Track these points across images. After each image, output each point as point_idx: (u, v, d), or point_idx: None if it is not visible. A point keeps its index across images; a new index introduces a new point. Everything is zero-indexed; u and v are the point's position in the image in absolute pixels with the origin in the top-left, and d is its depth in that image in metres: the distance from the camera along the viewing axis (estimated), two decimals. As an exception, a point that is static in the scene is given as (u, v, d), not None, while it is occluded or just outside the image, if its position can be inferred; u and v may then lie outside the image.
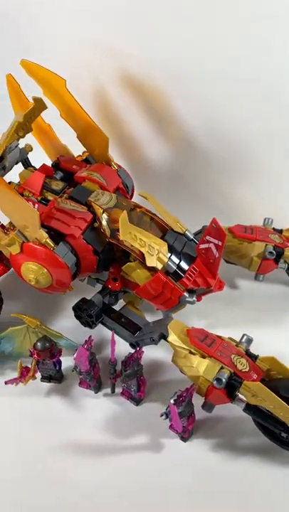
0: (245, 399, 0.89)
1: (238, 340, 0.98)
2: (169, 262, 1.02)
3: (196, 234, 1.14)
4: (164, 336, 0.98)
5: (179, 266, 1.03)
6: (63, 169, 1.18)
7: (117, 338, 0.99)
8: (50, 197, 1.10)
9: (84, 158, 1.23)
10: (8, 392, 1.03)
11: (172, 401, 0.90)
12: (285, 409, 0.84)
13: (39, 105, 1.09)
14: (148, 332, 1.02)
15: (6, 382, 1.02)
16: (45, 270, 1.01)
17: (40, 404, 1.04)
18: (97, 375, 1.04)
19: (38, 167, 1.17)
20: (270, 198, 1.34)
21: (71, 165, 1.18)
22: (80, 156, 1.24)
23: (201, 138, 1.32)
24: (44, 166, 1.15)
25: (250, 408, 0.89)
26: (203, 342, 0.93)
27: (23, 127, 1.08)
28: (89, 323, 1.08)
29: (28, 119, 1.08)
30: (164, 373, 1.08)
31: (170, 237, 1.07)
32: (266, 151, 1.30)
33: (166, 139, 1.36)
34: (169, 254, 1.03)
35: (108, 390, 1.06)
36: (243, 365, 0.91)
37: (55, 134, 1.24)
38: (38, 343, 1.00)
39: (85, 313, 1.07)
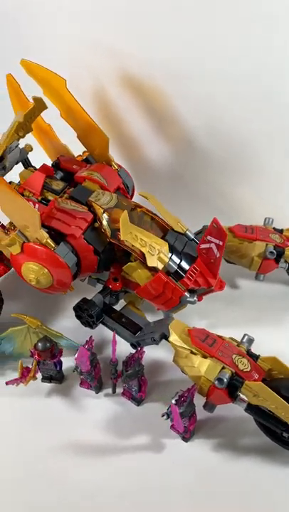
0: (246, 399, 0.89)
1: (239, 340, 0.98)
2: (170, 262, 1.02)
3: (196, 234, 1.14)
4: (165, 336, 0.98)
5: (179, 266, 1.03)
6: (63, 169, 1.18)
7: (117, 338, 0.99)
8: (50, 197, 1.10)
9: (84, 158, 1.23)
10: (9, 392, 1.03)
11: (173, 401, 0.90)
12: (286, 409, 0.84)
13: (39, 105, 1.09)
14: (149, 332, 1.02)
15: (6, 383, 1.02)
16: (46, 270, 1.01)
17: (41, 405, 1.04)
18: (98, 375, 1.04)
19: (38, 167, 1.17)
20: (270, 198, 1.34)
21: (71, 165, 1.18)
22: (80, 155, 1.24)
23: (201, 138, 1.32)
24: (44, 165, 1.15)
25: (251, 408, 0.89)
26: (204, 342, 0.93)
27: (23, 127, 1.08)
28: (90, 324, 1.08)
29: (28, 119, 1.08)
30: (165, 373, 1.08)
31: (171, 237, 1.07)
32: (266, 151, 1.30)
33: (166, 139, 1.36)
34: (170, 254, 1.03)
35: (109, 391, 1.06)
36: (244, 365, 0.91)
37: (55, 134, 1.24)
38: (39, 344, 1.00)
39: (86, 314, 1.06)
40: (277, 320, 1.18)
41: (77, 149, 1.24)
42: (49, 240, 0.99)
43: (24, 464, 0.96)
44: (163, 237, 1.06)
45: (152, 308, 1.12)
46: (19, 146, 1.16)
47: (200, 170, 1.37)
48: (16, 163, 1.18)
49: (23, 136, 1.10)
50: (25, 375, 1.01)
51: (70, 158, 1.23)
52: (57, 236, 1.02)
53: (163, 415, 0.92)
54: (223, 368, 0.89)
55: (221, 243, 0.98)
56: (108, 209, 1.06)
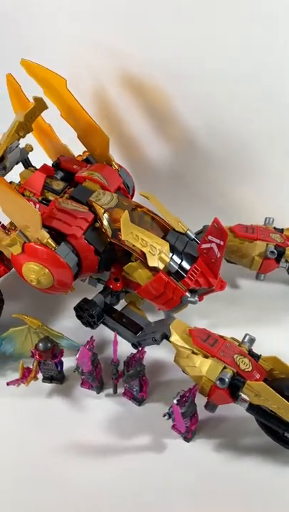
0: (248, 399, 0.89)
1: (240, 340, 0.98)
2: (171, 262, 1.02)
3: (197, 233, 1.13)
4: (166, 336, 0.98)
5: (180, 266, 1.03)
6: (64, 169, 1.18)
7: (118, 338, 0.99)
8: (50, 197, 1.10)
9: (84, 158, 1.23)
10: (10, 393, 1.03)
11: (175, 401, 0.90)
12: (288, 409, 0.84)
13: (40, 105, 1.09)
14: (150, 332, 1.02)
15: (8, 384, 1.01)
16: (47, 270, 1.01)
17: (42, 405, 1.04)
18: (99, 375, 1.04)
19: (38, 167, 1.16)
20: (270, 198, 1.34)
21: (72, 165, 1.18)
22: (80, 155, 1.24)
23: (202, 138, 1.32)
24: (45, 165, 1.15)
25: (253, 408, 0.89)
26: (205, 342, 0.93)
27: (23, 127, 1.07)
28: (90, 324, 1.08)
29: (29, 119, 1.08)
30: (166, 373, 1.08)
31: (172, 237, 1.07)
32: (267, 151, 1.30)
33: (167, 139, 1.36)
34: (171, 254, 1.03)
35: (110, 391, 1.06)
36: (245, 364, 0.91)
37: (55, 134, 1.24)
38: (40, 344, 1.00)
39: (87, 314, 1.06)
40: (278, 319, 1.18)
41: (77, 149, 1.24)
42: (50, 240, 0.99)
43: (25, 465, 0.96)
44: (164, 237, 1.06)
45: (153, 308, 1.12)
46: (19, 146, 1.16)
47: (200, 170, 1.37)
48: (17, 163, 1.18)
49: (24, 136, 1.10)
50: (26, 375, 1.01)
51: (71, 158, 1.23)
52: (58, 236, 1.02)
53: (164, 415, 0.92)
54: (224, 367, 0.89)
55: (222, 243, 0.98)
56: (109, 209, 1.06)
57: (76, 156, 1.25)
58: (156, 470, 0.94)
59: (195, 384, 0.92)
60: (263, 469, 0.93)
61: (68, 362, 1.06)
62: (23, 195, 1.09)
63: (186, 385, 0.93)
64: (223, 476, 0.92)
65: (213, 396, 0.90)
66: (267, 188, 1.34)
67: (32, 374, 1.01)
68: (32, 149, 1.19)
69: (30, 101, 1.12)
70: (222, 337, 0.96)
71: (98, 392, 1.05)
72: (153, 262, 1.01)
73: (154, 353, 1.06)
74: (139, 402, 1.03)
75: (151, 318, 1.10)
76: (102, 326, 1.09)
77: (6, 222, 1.09)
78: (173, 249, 1.04)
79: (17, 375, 1.01)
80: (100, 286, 1.13)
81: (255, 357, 0.94)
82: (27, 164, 1.21)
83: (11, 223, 1.09)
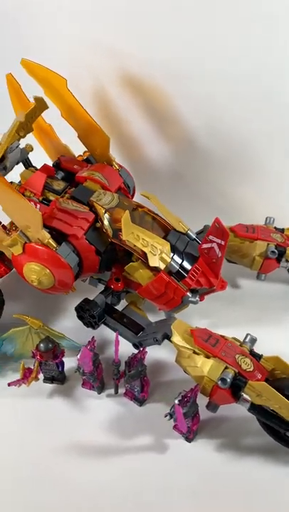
0: (249, 399, 0.89)
1: (241, 339, 0.98)
2: (172, 262, 1.02)
3: (197, 233, 1.13)
4: (167, 336, 0.98)
5: (181, 266, 1.03)
6: (64, 169, 1.18)
7: (120, 338, 0.98)
8: (51, 197, 1.10)
9: (85, 158, 1.23)
10: (11, 393, 1.03)
11: (177, 401, 0.90)
12: (290, 409, 0.84)
13: (40, 105, 1.09)
14: (151, 332, 1.02)
15: (9, 384, 1.01)
16: (48, 271, 1.01)
17: (43, 406, 1.04)
18: (101, 375, 1.04)
19: (38, 167, 1.16)
20: (271, 197, 1.34)
21: (72, 165, 1.18)
22: (80, 155, 1.24)
23: (202, 138, 1.32)
24: (45, 166, 1.14)
25: (254, 408, 0.89)
26: (207, 342, 0.93)
27: (24, 127, 1.07)
28: (92, 324, 1.08)
29: (29, 119, 1.08)
30: (167, 373, 1.07)
31: (172, 237, 1.07)
32: (267, 151, 1.30)
33: (167, 139, 1.36)
34: (172, 254, 1.03)
35: (111, 391, 1.05)
36: (247, 364, 0.90)
37: (55, 134, 1.23)
38: (41, 344, 1.00)
39: (88, 314, 1.06)
40: (279, 319, 1.18)
41: (77, 149, 1.24)
42: (51, 241, 0.98)
43: (26, 465, 0.95)
44: (165, 237, 1.06)
45: (153, 308, 1.11)
46: (20, 146, 1.16)
47: (200, 170, 1.37)
48: (17, 164, 1.18)
49: (24, 136, 1.10)
50: (27, 376, 1.01)
51: (71, 158, 1.22)
52: (58, 236, 1.02)
53: (166, 415, 0.92)
54: (226, 367, 0.89)
55: (223, 243, 0.98)
56: (110, 209, 1.06)
57: (76, 156, 1.25)
58: (157, 470, 0.94)
59: (197, 384, 0.91)
60: (264, 469, 0.93)
61: (69, 362, 1.06)
62: (24, 195, 1.08)
63: (187, 385, 0.93)
64: (224, 476, 0.92)
65: (215, 396, 0.90)
66: (267, 187, 1.34)
67: (33, 374, 1.01)
68: (32, 149, 1.19)
69: (30, 101, 1.12)
70: (223, 337, 0.96)
71: (99, 393, 1.05)
72: (154, 262, 1.00)
73: (155, 353, 1.06)
74: (141, 402, 1.03)
75: (152, 318, 1.10)
76: (102, 326, 1.09)
77: (6, 222, 1.09)
78: (174, 249, 1.04)
79: (18, 376, 1.01)
80: (101, 287, 1.13)
81: (256, 357, 0.94)
82: (27, 164, 1.20)
83: (12, 223, 1.09)
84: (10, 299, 1.17)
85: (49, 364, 1.02)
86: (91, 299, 1.07)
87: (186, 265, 1.04)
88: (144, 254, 1.01)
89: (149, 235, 1.02)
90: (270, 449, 0.94)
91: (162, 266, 1.01)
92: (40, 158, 1.22)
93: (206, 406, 0.93)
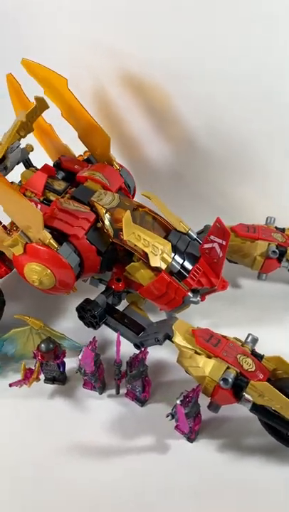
0: (251, 399, 0.88)
1: (243, 339, 0.98)
2: (173, 262, 1.02)
3: (198, 233, 1.14)
4: (168, 336, 0.98)
5: (182, 266, 1.03)
6: (65, 169, 1.18)
7: (121, 338, 0.98)
8: (52, 197, 1.09)
9: (85, 157, 1.23)
10: (13, 394, 1.03)
11: (179, 402, 0.89)
12: (292, 409, 0.84)
13: (41, 105, 1.09)
14: (152, 332, 1.02)
15: (10, 385, 1.01)
16: (49, 271, 1.00)
17: (44, 406, 1.03)
18: (102, 376, 1.04)
19: (39, 167, 1.16)
20: (271, 197, 1.34)
21: (73, 165, 1.18)
22: (81, 155, 1.24)
23: (202, 137, 1.32)
24: (46, 166, 1.14)
25: (256, 408, 0.89)
26: (208, 342, 0.93)
27: (24, 127, 1.07)
28: (93, 324, 1.07)
29: (30, 119, 1.08)
30: (169, 374, 1.07)
31: (173, 237, 1.07)
32: (267, 151, 1.30)
33: (167, 139, 1.36)
34: (173, 254, 1.03)
35: (112, 391, 1.05)
36: (249, 364, 0.90)
37: (56, 134, 1.23)
38: (42, 345, 0.99)
39: (89, 314, 1.06)
40: (280, 319, 1.18)
41: (77, 149, 1.24)
42: (52, 241, 0.98)
43: (28, 465, 0.95)
44: (166, 237, 1.06)
45: (154, 308, 1.11)
46: (20, 146, 1.15)
47: (201, 169, 1.37)
48: (17, 164, 1.17)
49: (25, 136, 1.10)
50: (28, 376, 1.00)
51: (72, 158, 1.22)
52: (59, 236, 1.01)
53: (167, 416, 0.91)
54: (227, 368, 0.89)
55: (224, 243, 0.98)
56: (110, 209, 1.06)
57: (77, 155, 1.24)
58: (158, 470, 0.93)
59: (198, 384, 0.91)
60: (266, 469, 0.92)
61: (70, 363, 1.05)
62: (25, 195, 1.08)
63: (188, 385, 0.92)
64: (226, 476, 0.92)
65: (217, 396, 0.90)
66: (268, 187, 1.34)
67: (34, 375, 1.00)
68: (33, 149, 1.19)
69: (30, 101, 1.12)
70: (225, 337, 0.96)
71: (100, 393, 1.05)
72: (155, 262, 1.00)
73: (156, 353, 1.06)
74: (142, 402, 1.02)
75: (153, 318, 1.10)
76: (103, 326, 1.09)
77: (6, 222, 1.09)
78: (175, 249, 1.04)
79: (18, 376, 1.01)
80: (102, 287, 1.12)
81: (258, 357, 0.94)
82: (28, 164, 1.20)
83: (12, 223, 1.08)
84: (11, 299, 1.17)
85: (50, 364, 1.02)
86: (92, 299, 1.07)
87: (188, 265, 1.04)
88: (145, 255, 1.01)
89: (150, 235, 1.02)
90: (271, 449, 0.94)
91: (163, 266, 1.01)
92: (41, 158, 1.22)
93: (207, 406, 0.93)
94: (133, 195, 1.22)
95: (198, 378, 0.91)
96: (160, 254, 1.01)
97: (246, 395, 0.89)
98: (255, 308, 1.20)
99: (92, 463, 0.95)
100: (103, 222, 1.04)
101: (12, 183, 1.13)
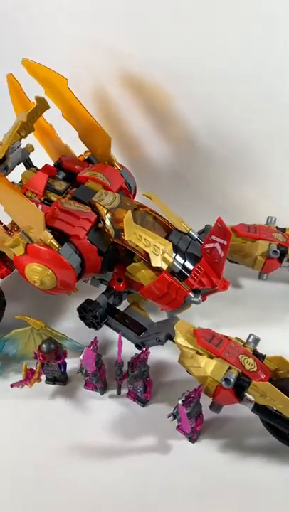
0: (253, 399, 0.88)
1: (244, 339, 0.98)
2: (174, 262, 1.01)
3: (199, 233, 1.13)
4: (170, 337, 0.98)
5: (183, 266, 1.03)
6: (66, 169, 1.17)
7: (122, 339, 0.98)
8: (53, 197, 1.09)
9: (86, 158, 1.22)
10: (14, 395, 1.02)
11: (180, 402, 0.89)
12: (294, 409, 0.84)
13: (42, 105, 1.09)
14: (154, 333, 1.02)
15: (11, 385, 1.00)
16: (50, 271, 1.00)
17: (45, 407, 1.03)
18: (103, 376, 1.04)
19: (39, 167, 1.16)
20: (272, 197, 1.34)
21: (73, 165, 1.17)
22: (81, 155, 1.24)
23: (202, 137, 1.32)
24: (47, 166, 1.14)
25: (258, 408, 0.89)
26: (210, 342, 0.93)
27: (25, 127, 1.07)
28: (94, 324, 1.07)
29: (31, 119, 1.08)
30: (170, 374, 1.07)
31: (175, 237, 1.06)
32: (267, 151, 1.30)
33: (168, 139, 1.36)
34: (174, 254, 1.03)
35: (114, 392, 1.05)
36: (250, 365, 0.90)
37: (56, 134, 1.23)
38: (44, 345, 0.99)
39: (90, 315, 1.06)
40: (281, 319, 1.18)
41: (78, 149, 1.23)
42: (53, 241, 0.98)
43: (29, 466, 0.95)
44: (167, 237, 1.06)
45: (155, 308, 1.11)
46: (21, 146, 1.15)
47: (201, 169, 1.37)
48: (18, 164, 1.17)
49: (25, 136, 1.10)
50: (29, 377, 1.00)
51: (72, 158, 1.22)
52: (60, 237, 1.01)
53: (169, 416, 0.91)
54: (229, 368, 0.89)
55: (225, 243, 0.98)
56: (111, 209, 1.06)
57: (77, 156, 1.24)
58: (160, 471, 0.93)
59: (200, 384, 0.91)
60: (268, 469, 0.92)
61: (71, 363, 1.05)
62: (25, 195, 1.08)
63: (190, 385, 0.92)
64: (228, 476, 0.92)
65: (218, 396, 0.90)
66: (268, 187, 1.34)
67: (35, 375, 1.00)
68: (33, 149, 1.19)
69: (31, 101, 1.12)
70: (226, 337, 0.96)
71: (102, 393, 1.05)
72: (156, 262, 1.00)
73: (157, 353, 1.06)
74: (143, 402, 1.02)
75: (154, 318, 1.10)
76: (104, 327, 1.09)
77: (6, 223, 1.09)
78: (176, 249, 1.04)
79: (20, 377, 1.01)
80: (103, 287, 1.12)
81: (259, 357, 0.94)
82: (28, 164, 1.20)
83: (12, 224, 1.08)
84: (11, 299, 1.16)
85: (51, 365, 1.02)
86: (93, 299, 1.07)
87: (189, 265, 1.04)
88: (147, 255, 1.01)
89: (151, 235, 1.02)
90: (273, 449, 0.94)
91: (164, 266, 1.01)
92: (41, 158, 1.22)
93: (209, 406, 0.92)
94: (134, 195, 1.22)
95: (200, 378, 0.91)
96: (161, 254, 1.01)
97: (248, 395, 0.89)
98: (256, 308, 1.20)
99: (93, 463, 0.95)
100: (104, 223, 1.04)
101: (13, 183, 1.13)
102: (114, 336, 1.06)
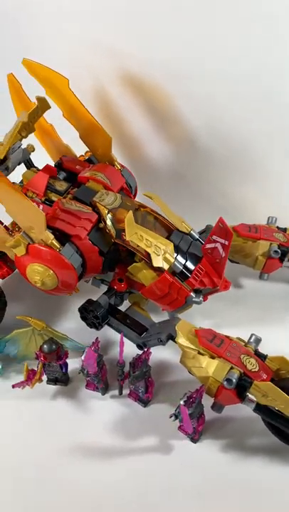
0: (255, 399, 0.89)
1: (245, 339, 0.98)
2: (176, 262, 1.01)
3: (200, 233, 1.14)
4: (171, 337, 0.97)
5: (185, 266, 1.03)
6: (66, 169, 1.17)
7: (124, 339, 0.98)
8: (54, 197, 1.09)
9: (86, 158, 1.22)
10: (15, 395, 1.02)
11: (182, 402, 0.89)
12: (295, 409, 0.84)
13: (42, 105, 1.08)
14: (155, 333, 1.02)
15: (13, 386, 1.00)
16: (51, 272, 1.00)
17: (46, 407, 1.03)
18: (105, 376, 1.03)
19: (40, 167, 1.16)
20: (272, 197, 1.34)
21: (74, 165, 1.17)
22: (82, 156, 1.24)
23: (202, 137, 1.32)
24: (48, 166, 1.14)
25: (260, 408, 0.89)
26: (212, 342, 0.93)
27: (26, 127, 1.07)
28: (95, 325, 1.07)
29: (32, 119, 1.08)
30: (172, 374, 1.07)
31: (176, 237, 1.06)
32: (267, 151, 1.30)
33: (168, 139, 1.36)
34: (175, 254, 1.03)
35: (115, 392, 1.05)
36: (252, 365, 0.90)
37: (57, 134, 1.23)
38: (45, 346, 0.99)
39: (91, 315, 1.06)
40: (282, 319, 1.18)
41: (78, 149, 1.23)
42: (54, 241, 0.98)
43: (30, 466, 0.95)
44: (168, 237, 1.06)
45: (156, 308, 1.11)
46: (21, 146, 1.15)
47: (202, 169, 1.37)
48: (19, 164, 1.17)
49: (26, 137, 1.10)
50: (30, 377, 1.00)
51: (73, 158, 1.22)
52: (61, 237, 1.01)
53: (171, 416, 0.91)
54: (231, 368, 0.89)
55: (226, 243, 0.98)
56: (112, 209, 1.05)
57: (78, 156, 1.24)
58: (162, 471, 0.93)
59: (202, 385, 0.91)
60: (270, 469, 0.92)
61: (73, 363, 1.05)
62: (26, 195, 1.08)
63: (191, 385, 0.92)
64: (230, 476, 0.92)
65: (220, 396, 0.90)
66: (268, 187, 1.34)
67: (37, 376, 1.00)
68: (34, 150, 1.19)
69: (31, 101, 1.12)
70: (228, 337, 0.96)
71: (103, 394, 1.05)
72: (157, 262, 1.00)
73: (159, 353, 1.05)
74: (145, 403, 1.02)
75: (155, 318, 1.10)
76: (105, 327, 1.09)
77: (7, 223, 1.08)
78: (177, 250, 1.04)
79: (21, 377, 1.00)
80: (104, 287, 1.12)
81: (261, 357, 0.94)
82: (29, 165, 1.20)
83: (13, 224, 1.08)
84: (12, 300, 1.16)
85: (53, 365, 1.02)
86: (94, 299, 1.07)
87: (190, 265, 1.04)
88: (148, 255, 1.01)
89: (152, 235, 1.02)
90: (275, 449, 0.94)
91: (166, 266, 1.01)
92: (42, 158, 1.21)
93: (211, 406, 0.92)
94: (134, 195, 1.22)
95: (202, 379, 0.91)
96: (162, 254, 1.01)
97: (250, 395, 0.89)
98: (258, 308, 1.20)
99: (94, 464, 0.95)
100: (105, 223, 1.04)
101: (13, 183, 1.13)
102: (116, 336, 1.06)
